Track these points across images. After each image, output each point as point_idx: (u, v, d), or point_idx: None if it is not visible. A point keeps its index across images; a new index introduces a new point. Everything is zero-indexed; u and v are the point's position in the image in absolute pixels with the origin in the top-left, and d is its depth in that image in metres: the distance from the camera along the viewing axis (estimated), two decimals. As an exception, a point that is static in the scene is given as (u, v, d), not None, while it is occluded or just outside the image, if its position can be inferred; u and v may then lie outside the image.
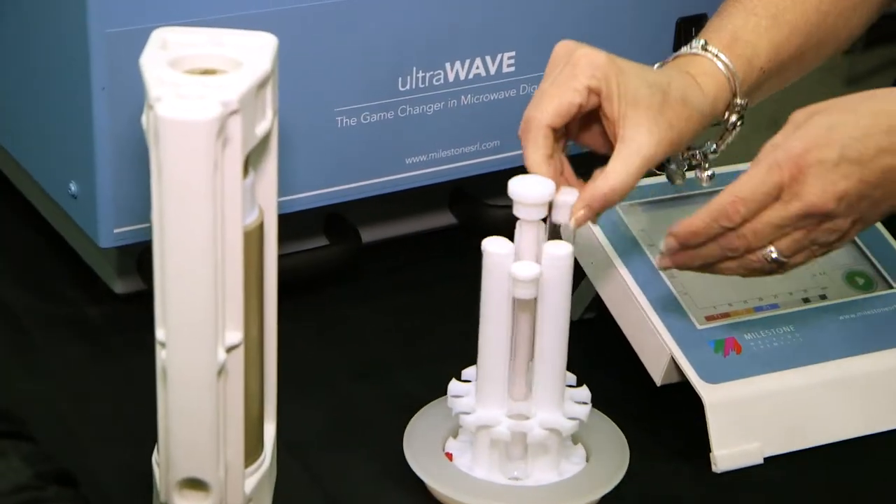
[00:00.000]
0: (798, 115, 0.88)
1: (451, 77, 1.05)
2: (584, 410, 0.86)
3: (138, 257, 0.97)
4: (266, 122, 0.73)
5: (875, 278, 0.97)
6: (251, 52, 0.72)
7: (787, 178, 0.84)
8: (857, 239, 0.99)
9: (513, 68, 1.07)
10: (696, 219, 0.87)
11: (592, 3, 1.11)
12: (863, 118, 0.87)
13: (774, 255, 0.86)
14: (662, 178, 1.02)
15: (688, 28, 1.15)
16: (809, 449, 0.91)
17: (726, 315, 0.91)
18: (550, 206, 0.84)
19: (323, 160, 1.03)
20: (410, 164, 1.06)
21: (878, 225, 1.01)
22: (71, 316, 1.02)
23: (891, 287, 0.96)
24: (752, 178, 0.85)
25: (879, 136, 0.86)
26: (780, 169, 0.85)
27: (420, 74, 1.03)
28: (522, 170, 0.87)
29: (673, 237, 0.87)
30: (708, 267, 0.89)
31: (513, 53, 1.06)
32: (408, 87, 1.03)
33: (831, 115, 0.87)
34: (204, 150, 0.65)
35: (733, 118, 1.01)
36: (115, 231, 0.94)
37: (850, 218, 0.86)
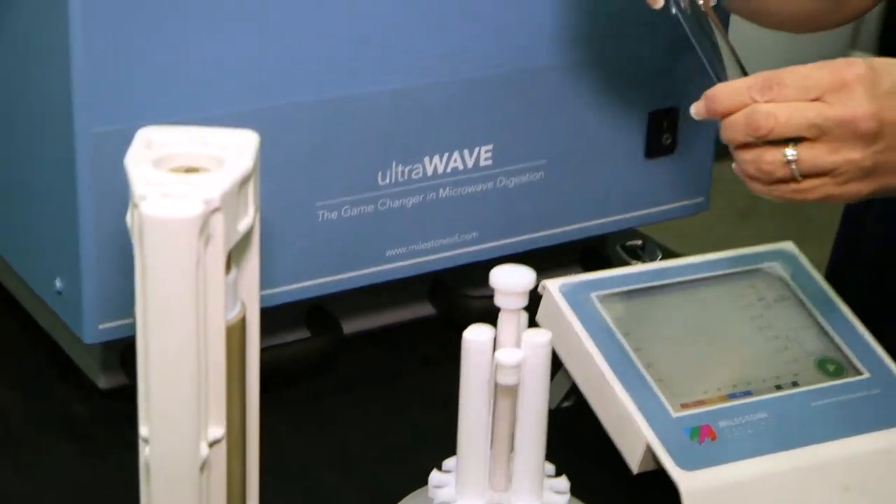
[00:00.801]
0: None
1: (429, 171, 1.05)
2: (564, 500, 0.85)
3: (121, 353, 0.97)
4: (248, 219, 0.73)
5: (845, 365, 0.96)
6: (233, 150, 0.71)
7: (837, 83, 0.84)
8: (827, 326, 0.99)
9: (490, 161, 1.08)
10: (734, 81, 0.89)
11: (567, 98, 1.11)
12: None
13: (791, 157, 0.84)
14: (636, 269, 1.02)
15: (659, 121, 1.16)
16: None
17: (701, 402, 0.91)
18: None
19: (305, 254, 1.03)
20: (390, 257, 1.06)
21: (848, 312, 1.01)
22: (55, 411, 1.02)
23: (860, 373, 0.96)
24: (803, 68, 0.86)
25: None
26: (834, 72, 0.84)
27: (399, 168, 1.04)
28: (501, 260, 0.85)
29: (705, 97, 0.88)
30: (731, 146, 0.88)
31: (490, 147, 1.07)
32: (387, 181, 1.04)
33: (890, 61, 0.86)
34: (186, 247, 0.65)
35: None
36: (100, 327, 0.94)
37: (876, 157, 0.85)
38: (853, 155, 0.83)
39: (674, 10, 0.96)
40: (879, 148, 0.83)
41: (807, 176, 0.83)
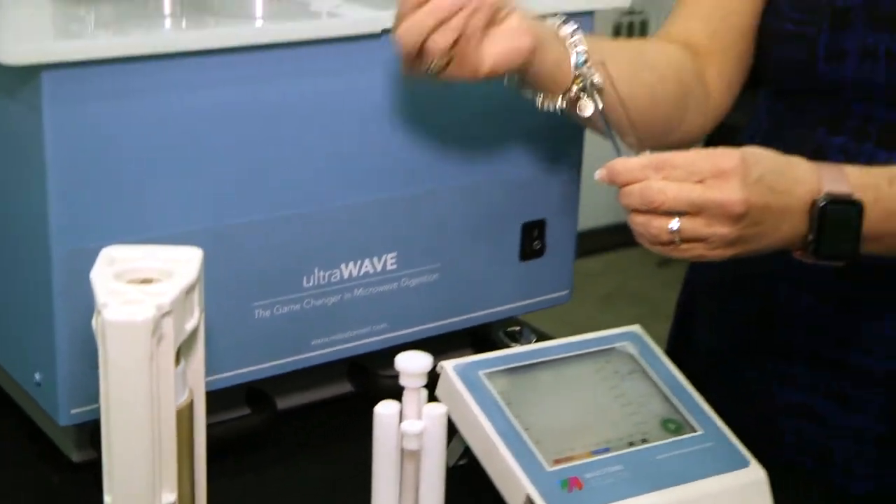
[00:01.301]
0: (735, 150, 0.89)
1: (345, 275, 1.08)
2: None
3: (91, 432, 0.97)
4: (194, 320, 0.77)
5: (684, 424, 1.00)
6: (181, 264, 0.76)
7: (717, 171, 0.86)
8: (668, 393, 1.03)
9: (395, 266, 1.10)
10: (634, 158, 0.89)
11: (455, 213, 1.13)
12: (783, 160, 0.91)
13: (675, 228, 0.87)
14: (516, 350, 1.06)
15: (530, 230, 1.19)
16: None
17: (570, 458, 0.94)
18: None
19: (243, 345, 1.04)
20: (315, 346, 1.08)
21: (684, 381, 1.05)
22: (35, 481, 1.02)
23: (696, 430, 1.00)
24: (691, 154, 0.89)
25: (790, 181, 0.90)
26: (715, 161, 0.87)
27: (320, 273, 1.06)
28: (406, 346, 0.91)
29: (607, 168, 0.89)
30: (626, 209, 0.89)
31: (394, 254, 1.10)
32: (311, 284, 1.06)
33: (762, 150, 0.90)
34: (142, 346, 0.69)
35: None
36: (72, 412, 0.94)
37: (741, 232, 0.88)
38: (724, 230, 0.87)
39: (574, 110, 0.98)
40: (744, 225, 0.88)
41: (685, 241, 0.87)
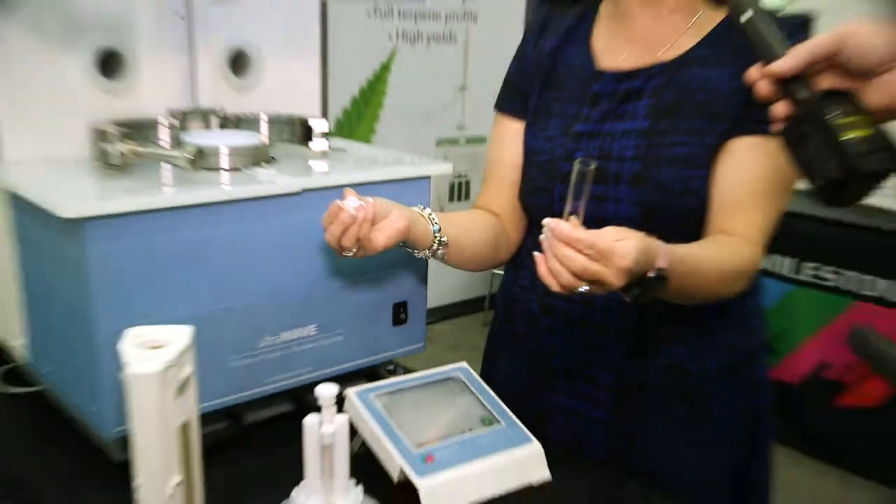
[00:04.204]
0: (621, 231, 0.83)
1: (286, 338, 1.06)
2: (359, 497, 0.84)
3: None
4: (188, 369, 0.77)
5: (493, 419, 1.00)
6: (178, 336, 0.76)
7: (606, 252, 0.79)
8: (485, 402, 1.02)
9: (315, 332, 1.09)
10: (563, 223, 0.82)
11: (354, 302, 1.11)
12: (645, 242, 0.83)
13: (584, 289, 0.82)
14: (392, 380, 1.02)
15: (399, 307, 1.17)
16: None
17: (426, 444, 0.93)
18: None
19: (221, 384, 1.02)
20: (267, 382, 1.06)
21: (494, 395, 1.03)
22: (93, 472, 0.98)
23: (500, 423, 0.99)
24: (594, 234, 0.80)
25: (645, 260, 0.83)
26: (611, 243, 0.80)
27: (269, 338, 1.05)
28: (323, 380, 0.82)
29: (552, 229, 0.82)
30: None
31: (315, 325, 1.08)
32: (263, 344, 1.04)
33: (639, 238, 0.82)
34: (154, 389, 0.70)
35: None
36: (115, 430, 0.93)
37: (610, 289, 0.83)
38: (602, 287, 0.82)
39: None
40: (615, 287, 0.82)
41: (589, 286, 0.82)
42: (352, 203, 0.91)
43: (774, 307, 2.86)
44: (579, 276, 0.81)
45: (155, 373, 0.70)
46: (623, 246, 0.80)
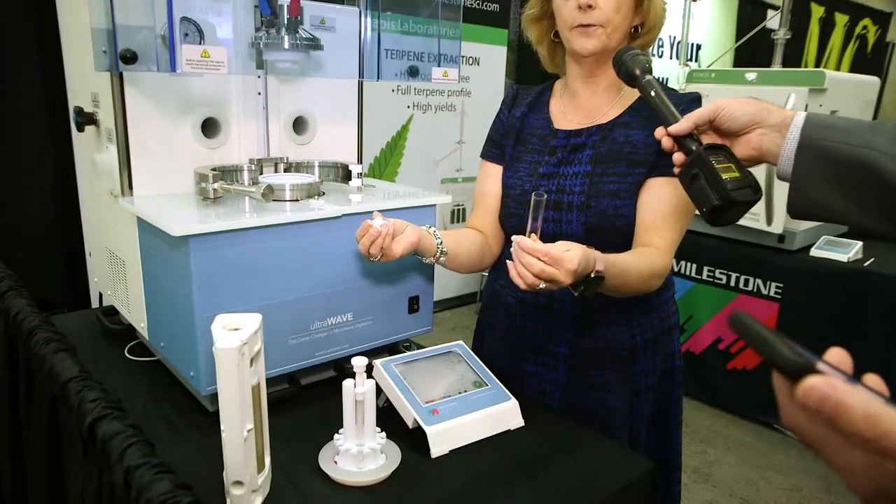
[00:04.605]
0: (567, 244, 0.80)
1: (329, 322, 1.03)
2: (382, 435, 0.84)
3: (215, 396, 0.92)
4: (258, 345, 0.74)
5: (482, 383, 0.97)
6: (252, 321, 0.73)
7: (557, 259, 0.78)
8: (477, 370, 0.98)
9: (351, 318, 1.04)
10: (525, 239, 0.80)
11: (378, 294, 1.06)
12: (586, 251, 0.81)
13: (543, 286, 0.80)
14: (409, 354, 0.98)
15: (413, 300, 1.12)
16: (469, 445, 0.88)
17: (433, 400, 0.91)
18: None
19: (282, 356, 0.99)
20: (317, 356, 1.02)
21: (482, 364, 0.99)
22: (193, 418, 0.95)
23: (488, 386, 0.96)
24: (548, 246, 0.79)
25: (586, 264, 0.81)
26: (561, 251, 0.78)
27: (318, 323, 1.02)
28: (358, 354, 0.84)
29: (517, 241, 0.80)
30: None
31: (350, 314, 1.04)
32: (314, 327, 1.02)
33: (582, 248, 0.81)
34: (233, 359, 0.68)
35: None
36: (207, 388, 0.91)
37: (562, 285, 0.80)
38: (554, 285, 0.80)
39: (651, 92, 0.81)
40: (566, 284, 0.80)
41: (534, 285, 0.80)
42: (378, 222, 0.90)
43: (682, 299, 2.87)
44: (539, 277, 0.80)
45: (234, 348, 0.67)
46: (570, 253, 0.80)
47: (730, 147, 0.74)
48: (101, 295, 1.25)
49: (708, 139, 0.76)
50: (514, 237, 0.83)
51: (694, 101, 0.98)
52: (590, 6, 0.95)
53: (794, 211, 0.69)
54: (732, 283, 2.71)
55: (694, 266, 2.81)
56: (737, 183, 0.71)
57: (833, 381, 0.30)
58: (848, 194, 0.63)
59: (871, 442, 0.28)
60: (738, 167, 0.73)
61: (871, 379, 0.32)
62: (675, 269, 2.85)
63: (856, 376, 0.31)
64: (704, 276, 2.79)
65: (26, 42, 2.15)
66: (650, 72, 0.84)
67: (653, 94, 0.82)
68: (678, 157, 0.76)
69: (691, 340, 2.88)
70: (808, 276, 2.48)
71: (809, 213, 0.67)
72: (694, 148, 0.75)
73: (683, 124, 0.75)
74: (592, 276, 0.84)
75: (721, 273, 2.74)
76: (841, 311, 2.40)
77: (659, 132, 0.77)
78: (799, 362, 0.30)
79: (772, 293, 2.59)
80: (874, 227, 0.63)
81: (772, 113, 0.71)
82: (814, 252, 2.53)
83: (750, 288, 2.66)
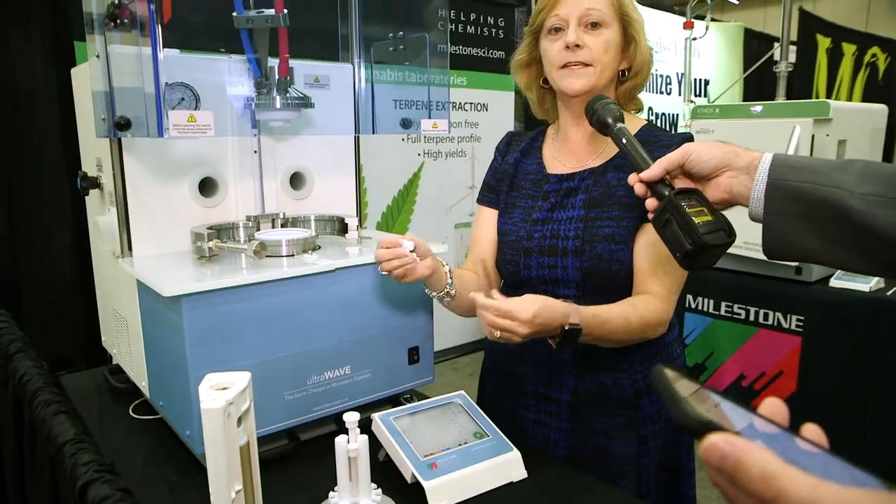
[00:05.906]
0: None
1: (327, 377, 1.02)
2: (379, 497, 0.83)
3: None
4: (247, 404, 0.73)
5: (483, 434, 0.96)
6: (241, 379, 0.72)
7: (506, 312, 0.79)
8: (478, 421, 0.97)
9: (349, 371, 1.04)
10: (480, 296, 0.81)
11: (374, 346, 1.06)
12: (547, 303, 0.81)
13: (498, 335, 0.81)
14: (409, 406, 0.97)
15: (412, 351, 1.12)
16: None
17: (432, 454, 0.90)
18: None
19: (277, 413, 0.98)
20: (315, 411, 1.00)
21: (483, 414, 0.98)
22: (188, 472, 0.95)
23: (488, 437, 0.95)
24: (501, 300, 0.80)
25: (549, 315, 0.82)
26: (512, 305, 0.79)
27: (315, 377, 1.01)
28: (357, 408, 0.85)
29: (480, 305, 0.81)
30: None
31: (349, 367, 1.04)
32: (310, 382, 1.01)
33: (542, 300, 0.81)
34: (219, 419, 0.66)
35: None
36: (203, 447, 0.83)
37: (529, 334, 0.81)
38: (519, 338, 0.81)
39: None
40: (529, 334, 0.81)
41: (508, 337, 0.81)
42: (409, 245, 0.91)
43: (701, 336, 2.79)
44: (494, 328, 0.81)
45: (219, 408, 0.67)
46: (521, 305, 0.80)
47: (702, 191, 0.74)
48: (110, 354, 1.26)
49: (681, 184, 0.76)
50: (471, 295, 0.85)
51: (686, 140, 0.98)
52: (577, 45, 0.96)
53: (770, 252, 0.68)
54: (752, 318, 2.65)
55: (711, 302, 2.76)
56: (709, 227, 0.70)
57: (732, 439, 0.29)
58: (820, 234, 0.63)
59: (769, 502, 0.27)
60: (711, 210, 0.72)
61: (809, 429, 0.31)
62: (692, 306, 2.79)
63: (873, 410, 0.29)
64: (723, 312, 2.73)
65: (48, 103, 2.25)
66: (622, 119, 0.86)
67: (624, 140, 0.83)
68: (650, 202, 0.76)
69: (714, 378, 2.80)
70: (830, 308, 2.41)
71: (785, 254, 0.67)
72: (666, 193, 0.75)
73: (654, 170, 0.75)
74: (567, 328, 0.84)
75: (739, 308, 2.68)
76: (866, 341, 2.32)
77: (632, 178, 0.78)
78: (700, 420, 0.29)
79: (793, 326, 2.52)
80: (851, 266, 0.63)
81: (739, 156, 0.71)
82: (833, 283, 2.47)
83: (770, 322, 2.59)
